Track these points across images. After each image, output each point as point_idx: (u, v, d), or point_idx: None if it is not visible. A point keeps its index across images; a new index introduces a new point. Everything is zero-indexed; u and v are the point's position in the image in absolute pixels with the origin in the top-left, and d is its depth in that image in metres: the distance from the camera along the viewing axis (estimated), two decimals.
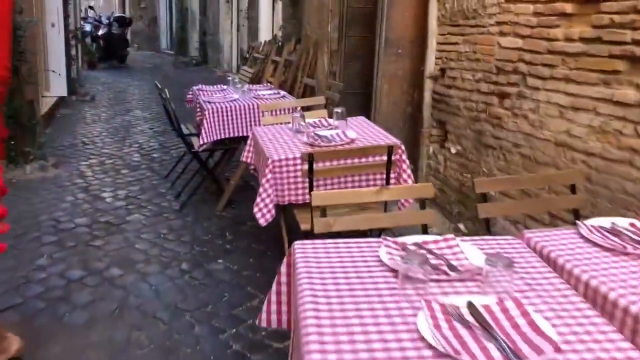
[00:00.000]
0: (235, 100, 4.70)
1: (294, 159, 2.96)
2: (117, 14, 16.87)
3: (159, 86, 5.17)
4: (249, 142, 3.60)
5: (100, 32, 14.90)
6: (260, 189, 2.93)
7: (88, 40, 14.97)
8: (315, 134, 3.22)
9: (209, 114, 4.44)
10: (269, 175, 2.93)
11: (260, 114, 4.36)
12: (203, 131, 4.41)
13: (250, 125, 4.53)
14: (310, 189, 2.74)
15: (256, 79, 8.56)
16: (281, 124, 3.84)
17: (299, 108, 4.44)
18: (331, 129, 3.38)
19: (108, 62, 15.37)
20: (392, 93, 4.73)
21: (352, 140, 3.12)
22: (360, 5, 5.47)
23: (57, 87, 8.31)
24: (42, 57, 7.59)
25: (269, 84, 5.88)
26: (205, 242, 4.04)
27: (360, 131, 3.36)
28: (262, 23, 10.60)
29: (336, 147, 3.01)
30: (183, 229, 4.28)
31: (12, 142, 5.23)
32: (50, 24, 8.07)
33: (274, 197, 2.96)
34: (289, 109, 4.36)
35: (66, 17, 9.04)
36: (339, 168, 2.81)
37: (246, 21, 11.73)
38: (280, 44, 8.42)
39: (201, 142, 4.40)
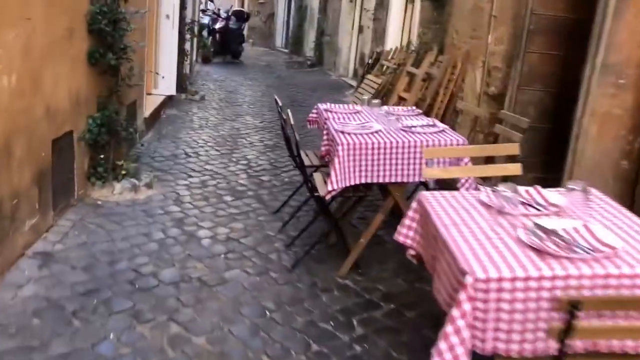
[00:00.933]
0: (377, 132, 3.45)
1: (513, 279, 1.65)
2: (235, 8, 16.26)
3: (279, 103, 4.05)
4: (410, 214, 2.34)
5: (217, 26, 14.29)
6: (449, 329, 1.66)
7: (204, 33, 14.44)
8: (537, 225, 1.89)
9: (343, 150, 3.23)
10: (467, 306, 1.65)
11: (423, 162, 3.08)
12: (333, 174, 3.21)
13: (400, 170, 3.27)
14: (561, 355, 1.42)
15: (383, 91, 7.32)
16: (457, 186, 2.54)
17: (466, 160, 3.12)
18: (558, 213, 2.03)
19: (222, 57, 14.77)
20: (602, 138, 3.29)
21: (615, 252, 1.75)
22: (551, 13, 4.04)
23: (166, 85, 7.52)
24: (151, 52, 6.80)
25: (412, 108, 4.57)
26: (326, 335, 2.84)
27: (613, 226, 1.98)
28: (391, 26, 9.32)
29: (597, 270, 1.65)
30: (295, 304, 3.11)
31: (102, 156, 4.33)
32: (164, 16, 7.28)
33: (470, 343, 1.67)
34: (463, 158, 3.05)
35: (183, 8, 8.26)
36: (618, 328, 1.48)
37: (371, 23, 10.51)
38: (416, 52, 7.11)
39: (330, 189, 3.20)
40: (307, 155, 4.21)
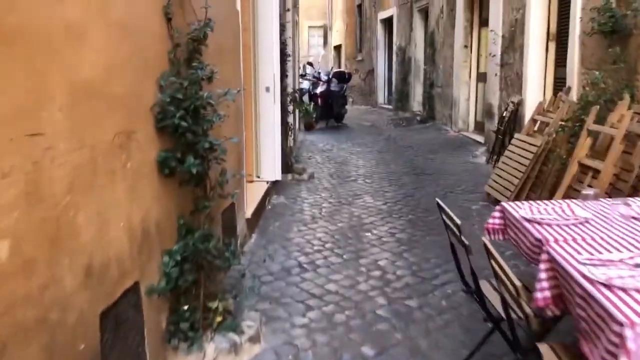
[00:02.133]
0: None
1: None
2: (335, 69, 15.18)
3: (451, 214, 2.45)
4: None
5: (318, 90, 13.19)
6: None
7: (305, 98, 13.40)
8: None
9: (636, 339, 1.53)
10: None
11: None
12: None
13: None
14: None
15: (543, 155, 5.53)
16: None
17: None
18: None
19: (325, 121, 13.60)
20: None
21: None
22: None
23: (270, 168, 6.22)
24: (250, 137, 5.56)
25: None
26: None
27: None
28: (530, 70, 7.54)
29: None
30: None
31: (186, 307, 2.91)
32: (264, 89, 6.06)
33: None
34: None
35: (284, 77, 7.05)
36: None
37: (498, 69, 8.79)
38: (583, 102, 5.28)
39: None
40: (494, 292, 2.55)
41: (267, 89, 6.05)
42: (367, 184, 7.25)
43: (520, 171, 5.67)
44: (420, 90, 14.80)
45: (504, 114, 8.07)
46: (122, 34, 2.38)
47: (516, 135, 6.18)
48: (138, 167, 2.52)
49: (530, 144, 5.70)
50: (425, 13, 14.32)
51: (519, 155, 5.83)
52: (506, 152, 6.15)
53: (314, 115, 12.64)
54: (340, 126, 13.66)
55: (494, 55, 8.84)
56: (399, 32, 16.27)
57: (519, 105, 7.72)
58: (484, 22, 10.69)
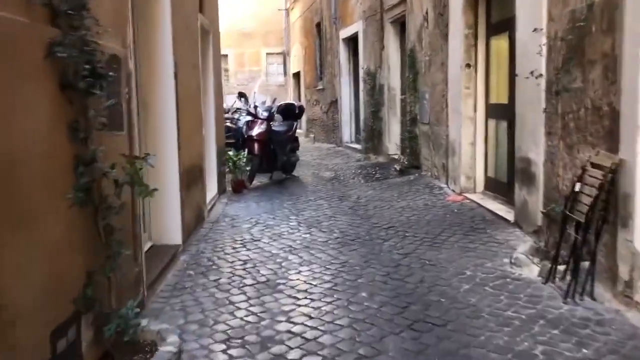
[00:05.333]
0: None
1: None
2: (281, 102, 10.95)
3: None
4: None
5: (254, 132, 8.94)
6: None
7: (237, 143, 9.23)
8: None
9: None
10: None
11: None
12: None
13: None
14: None
15: None
16: None
17: None
18: None
19: (269, 174, 9.42)
20: None
21: None
22: None
23: None
24: None
25: None
26: None
27: None
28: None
29: None
30: None
31: None
32: None
33: None
34: None
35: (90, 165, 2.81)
36: None
37: (543, 98, 4.75)
38: None
39: None
40: None
41: None
42: None
43: None
44: (397, 127, 10.78)
45: (577, 189, 3.99)
46: None
47: None
48: None
49: None
50: (401, 25, 10.39)
51: None
52: None
53: (248, 170, 8.43)
54: (289, 180, 9.47)
55: (539, 76, 4.80)
56: (366, 52, 12.31)
57: (616, 172, 3.65)
58: (496, 28, 6.73)
